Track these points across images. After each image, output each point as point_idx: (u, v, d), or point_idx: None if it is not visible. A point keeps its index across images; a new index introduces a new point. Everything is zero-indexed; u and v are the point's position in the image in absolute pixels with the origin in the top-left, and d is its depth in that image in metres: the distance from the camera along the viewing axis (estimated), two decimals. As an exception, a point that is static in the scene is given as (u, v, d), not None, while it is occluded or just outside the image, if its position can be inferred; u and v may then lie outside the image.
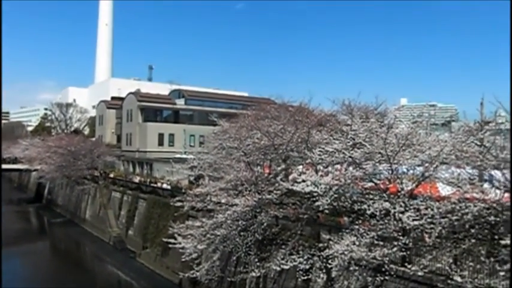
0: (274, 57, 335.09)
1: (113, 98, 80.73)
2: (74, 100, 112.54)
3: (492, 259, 14.26)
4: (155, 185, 42.18)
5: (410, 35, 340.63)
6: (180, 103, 66.09)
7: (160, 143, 60.06)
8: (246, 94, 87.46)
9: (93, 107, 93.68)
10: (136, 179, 47.41)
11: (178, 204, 26.82)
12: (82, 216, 56.01)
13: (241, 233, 22.65)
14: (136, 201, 43.41)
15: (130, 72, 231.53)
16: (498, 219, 13.99)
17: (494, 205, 14.01)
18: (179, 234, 24.17)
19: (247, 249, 23.08)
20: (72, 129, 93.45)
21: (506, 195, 14.20)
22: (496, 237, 14.01)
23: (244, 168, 23.89)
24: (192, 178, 32.82)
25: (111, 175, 53.58)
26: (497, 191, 14.44)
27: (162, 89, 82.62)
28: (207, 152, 29.65)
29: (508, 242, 13.19)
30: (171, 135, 60.84)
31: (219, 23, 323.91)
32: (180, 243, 23.82)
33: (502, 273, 13.72)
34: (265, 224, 22.22)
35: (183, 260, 24.28)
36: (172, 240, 24.49)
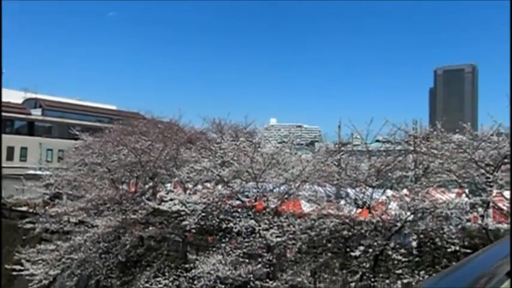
0: (145, 69, 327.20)
1: (-51, 104, 69.64)
2: None
3: (345, 271, 15.49)
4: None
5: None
6: (37, 113, 59.96)
7: (10, 158, 53.21)
8: (114, 107, 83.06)
9: None
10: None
11: (29, 226, 24.15)
12: None
13: (102, 256, 21.09)
14: (-26, 224, 37.55)
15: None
16: (350, 233, 15.31)
17: (347, 220, 15.31)
18: (28, 260, 21.61)
19: (109, 272, 21.53)
20: None
21: (358, 210, 15.67)
22: (348, 249, 15.29)
23: (108, 186, 22.46)
24: (47, 197, 29.80)
25: None
26: (350, 207, 15.86)
27: (14, 96, 73.60)
28: (66, 168, 27.35)
29: (358, 253, 14.47)
30: (24, 149, 54.60)
31: (88, 30, 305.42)
32: (28, 269, 21.26)
33: (352, 284, 14.93)
34: (128, 246, 21.04)
35: (32, 289, 21.62)
36: (18, 267, 21.73)
